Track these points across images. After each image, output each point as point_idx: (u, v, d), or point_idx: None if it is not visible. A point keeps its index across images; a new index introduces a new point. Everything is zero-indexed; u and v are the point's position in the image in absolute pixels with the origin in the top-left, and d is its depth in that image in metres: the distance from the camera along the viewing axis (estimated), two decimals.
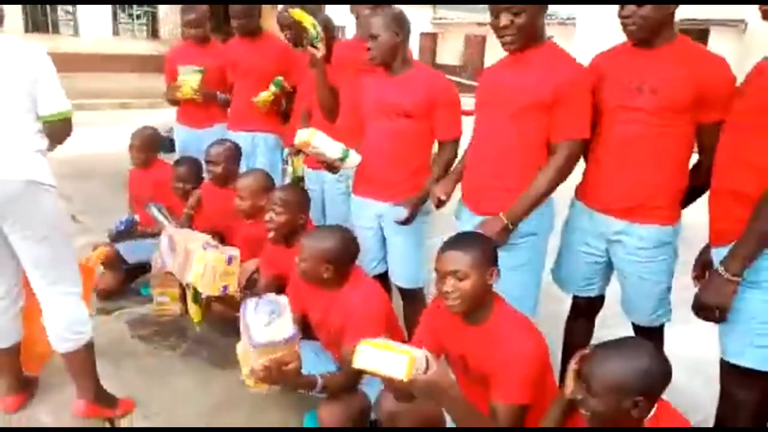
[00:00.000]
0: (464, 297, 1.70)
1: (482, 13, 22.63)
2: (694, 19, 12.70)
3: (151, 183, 3.57)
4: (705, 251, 2.02)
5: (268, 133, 3.63)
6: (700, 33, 13.66)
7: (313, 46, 2.71)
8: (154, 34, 15.95)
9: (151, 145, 3.62)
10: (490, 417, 1.68)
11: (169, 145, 4.40)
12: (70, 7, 16.25)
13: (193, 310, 2.69)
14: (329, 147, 2.47)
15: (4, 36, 2.05)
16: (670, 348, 2.02)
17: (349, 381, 2.03)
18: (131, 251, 3.36)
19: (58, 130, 2.12)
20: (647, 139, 1.95)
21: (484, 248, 1.77)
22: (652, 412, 1.43)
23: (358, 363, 1.55)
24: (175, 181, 3.39)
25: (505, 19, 1.98)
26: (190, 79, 3.59)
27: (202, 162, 3.36)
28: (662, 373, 1.42)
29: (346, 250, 2.15)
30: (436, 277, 1.77)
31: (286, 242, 2.54)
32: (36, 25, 15.24)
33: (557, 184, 2.07)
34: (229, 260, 2.40)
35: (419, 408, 1.85)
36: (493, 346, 1.70)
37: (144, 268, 3.32)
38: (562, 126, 2.02)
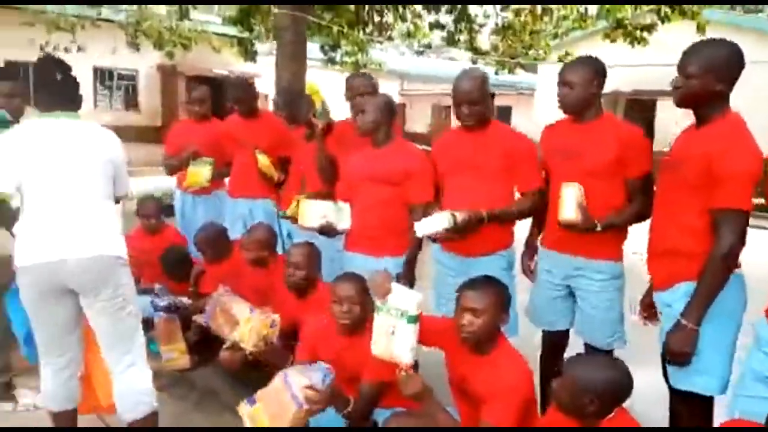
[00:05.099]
0: (477, 332, 2.07)
1: (448, 83, 23.94)
2: (642, 91, 13.81)
3: (161, 246, 3.85)
4: (646, 296, 2.44)
5: (265, 198, 4.01)
6: (647, 104, 14.80)
7: (314, 116, 3.13)
8: (134, 105, 16.42)
9: (160, 212, 4.00)
10: None
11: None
12: None
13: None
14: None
15: (87, 123, 2.36)
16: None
17: (367, 408, 2.36)
18: None
19: None
20: (587, 192, 2.39)
21: (502, 294, 2.15)
22: (611, 415, 1.78)
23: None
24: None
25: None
26: (202, 170, 3.97)
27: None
28: (618, 390, 1.79)
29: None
30: (456, 309, 2.14)
31: (301, 296, 2.89)
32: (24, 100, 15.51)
33: None
34: (272, 324, 2.69)
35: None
36: (492, 375, 2.05)
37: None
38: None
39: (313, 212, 2.93)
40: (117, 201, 2.50)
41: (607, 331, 2.55)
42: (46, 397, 2.41)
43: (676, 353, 2.04)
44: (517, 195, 2.73)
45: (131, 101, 16.34)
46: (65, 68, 2.39)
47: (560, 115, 2.61)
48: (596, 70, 2.43)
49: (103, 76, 16.84)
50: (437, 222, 2.49)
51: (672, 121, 13.31)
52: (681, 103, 2.11)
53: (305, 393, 2.16)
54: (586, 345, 2.63)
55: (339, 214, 2.94)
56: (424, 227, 2.52)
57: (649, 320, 2.47)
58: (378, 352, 2.20)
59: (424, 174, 2.85)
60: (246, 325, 2.64)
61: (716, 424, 2.11)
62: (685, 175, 2.05)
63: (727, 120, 2.01)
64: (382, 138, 2.89)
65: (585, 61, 2.48)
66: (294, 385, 2.22)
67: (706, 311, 1.99)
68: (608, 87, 2.53)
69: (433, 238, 2.62)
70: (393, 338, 2.15)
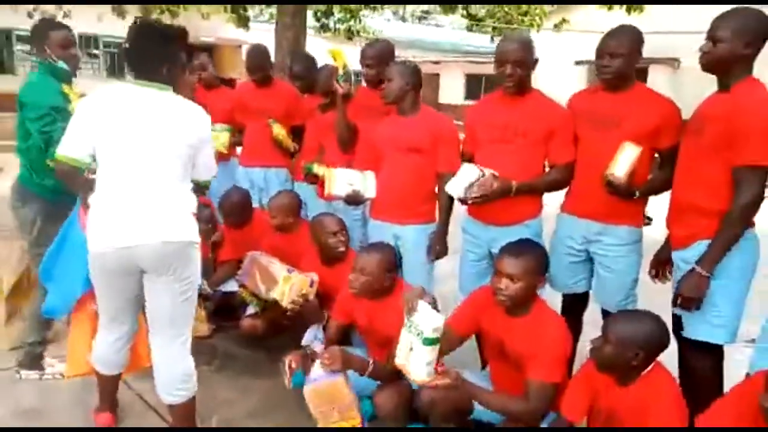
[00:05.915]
0: (513, 296, 2.13)
1: (435, 52, 23.69)
2: None
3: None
4: (659, 253, 2.55)
5: (279, 167, 4.01)
6: (639, 70, 14.83)
7: (336, 82, 3.13)
8: (118, 73, 16.12)
9: None
10: (524, 393, 2.09)
11: None
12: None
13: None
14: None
15: (174, 97, 2.18)
16: None
17: (392, 374, 2.38)
18: None
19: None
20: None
21: (539, 259, 2.21)
22: (649, 368, 1.89)
23: None
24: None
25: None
26: (221, 136, 3.94)
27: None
28: (660, 338, 1.89)
29: (396, 260, 2.56)
30: (493, 273, 2.20)
31: (330, 263, 2.94)
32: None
33: None
34: (311, 283, 2.76)
35: (452, 396, 2.24)
36: (532, 334, 2.12)
37: None
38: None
39: (342, 180, 2.95)
40: (202, 186, 2.44)
41: (621, 295, 2.60)
42: (97, 360, 2.45)
43: (687, 298, 2.15)
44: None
45: (115, 69, 16.04)
46: (143, 36, 2.19)
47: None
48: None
49: (88, 43, 16.54)
50: (466, 174, 2.51)
51: (663, 87, 13.41)
52: (707, 67, 2.17)
53: (323, 362, 2.26)
54: (603, 309, 2.70)
55: (365, 182, 2.96)
56: (454, 185, 2.54)
57: (657, 278, 2.59)
58: (398, 363, 2.22)
59: (453, 142, 2.87)
60: (285, 283, 2.70)
61: (728, 378, 2.21)
62: (709, 136, 2.12)
63: (749, 83, 2.10)
64: (409, 106, 2.86)
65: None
66: (324, 374, 2.30)
67: (719, 260, 2.10)
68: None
69: (463, 200, 2.61)
70: (411, 354, 2.15)
